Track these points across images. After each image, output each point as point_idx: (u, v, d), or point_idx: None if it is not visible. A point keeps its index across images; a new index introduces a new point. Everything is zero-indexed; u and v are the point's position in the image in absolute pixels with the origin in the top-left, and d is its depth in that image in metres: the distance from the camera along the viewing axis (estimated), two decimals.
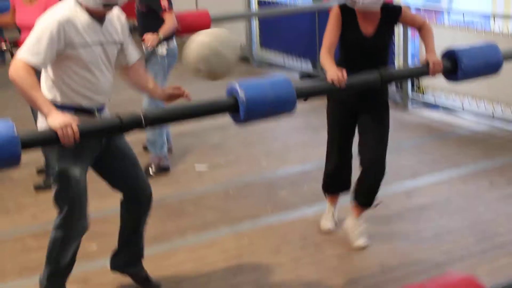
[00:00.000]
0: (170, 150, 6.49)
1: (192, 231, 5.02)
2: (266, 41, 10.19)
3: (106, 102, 3.82)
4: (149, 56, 6.01)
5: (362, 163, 4.50)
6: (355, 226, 4.65)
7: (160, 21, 5.93)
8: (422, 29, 4.41)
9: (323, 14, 8.74)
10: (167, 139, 6.33)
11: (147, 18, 6.04)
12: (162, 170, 6.12)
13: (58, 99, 3.63)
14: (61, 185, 3.73)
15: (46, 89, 3.65)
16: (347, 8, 4.29)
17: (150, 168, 6.07)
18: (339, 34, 4.29)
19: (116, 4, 3.62)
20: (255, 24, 10.33)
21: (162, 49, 5.99)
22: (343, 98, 4.49)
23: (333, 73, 3.87)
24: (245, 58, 10.49)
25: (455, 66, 3.99)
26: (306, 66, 9.49)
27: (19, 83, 3.38)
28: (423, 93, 7.87)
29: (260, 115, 3.60)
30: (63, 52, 3.52)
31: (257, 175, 6.04)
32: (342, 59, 4.36)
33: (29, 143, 3.22)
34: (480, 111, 7.33)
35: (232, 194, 5.65)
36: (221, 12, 8.69)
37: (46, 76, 3.67)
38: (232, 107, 3.50)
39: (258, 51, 10.36)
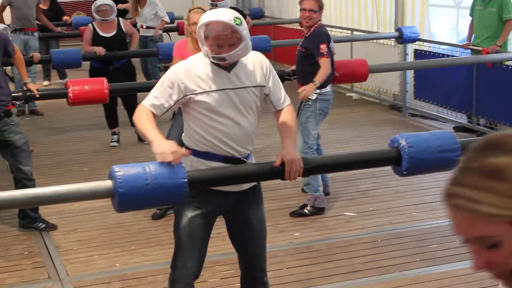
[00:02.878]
0: (328, 193, 6.58)
1: (339, 277, 5.03)
2: (420, 92, 10.08)
3: (248, 150, 3.64)
4: (301, 100, 6.15)
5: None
6: None
7: (316, 66, 6.02)
8: None
9: (482, 67, 8.58)
10: (326, 183, 6.48)
11: (304, 60, 6.18)
12: (318, 210, 6.21)
13: (192, 146, 3.60)
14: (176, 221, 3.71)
15: (186, 137, 3.68)
16: None
17: (306, 208, 6.19)
18: None
19: (224, 60, 3.45)
20: (410, 74, 10.26)
21: (313, 93, 6.07)
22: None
23: None
24: (398, 108, 10.43)
25: None
26: (461, 118, 9.30)
27: (136, 123, 3.53)
28: None
29: (423, 169, 3.56)
30: (182, 100, 3.53)
31: (408, 225, 5.99)
32: None
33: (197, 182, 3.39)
34: None
35: (381, 243, 5.62)
36: (376, 62, 8.74)
37: (185, 124, 3.69)
38: (394, 160, 3.48)
39: (411, 101, 10.26)
